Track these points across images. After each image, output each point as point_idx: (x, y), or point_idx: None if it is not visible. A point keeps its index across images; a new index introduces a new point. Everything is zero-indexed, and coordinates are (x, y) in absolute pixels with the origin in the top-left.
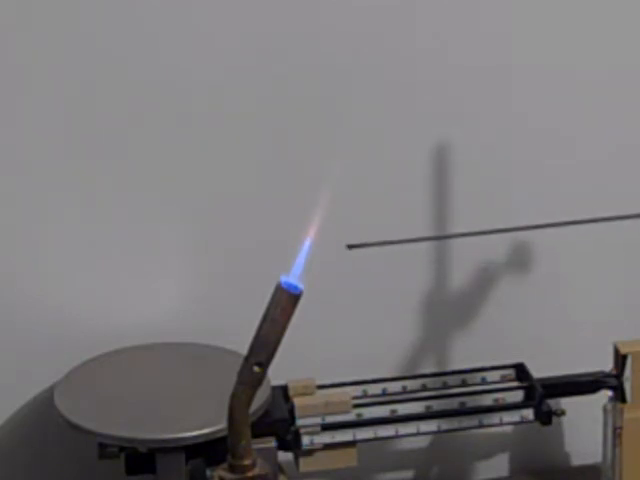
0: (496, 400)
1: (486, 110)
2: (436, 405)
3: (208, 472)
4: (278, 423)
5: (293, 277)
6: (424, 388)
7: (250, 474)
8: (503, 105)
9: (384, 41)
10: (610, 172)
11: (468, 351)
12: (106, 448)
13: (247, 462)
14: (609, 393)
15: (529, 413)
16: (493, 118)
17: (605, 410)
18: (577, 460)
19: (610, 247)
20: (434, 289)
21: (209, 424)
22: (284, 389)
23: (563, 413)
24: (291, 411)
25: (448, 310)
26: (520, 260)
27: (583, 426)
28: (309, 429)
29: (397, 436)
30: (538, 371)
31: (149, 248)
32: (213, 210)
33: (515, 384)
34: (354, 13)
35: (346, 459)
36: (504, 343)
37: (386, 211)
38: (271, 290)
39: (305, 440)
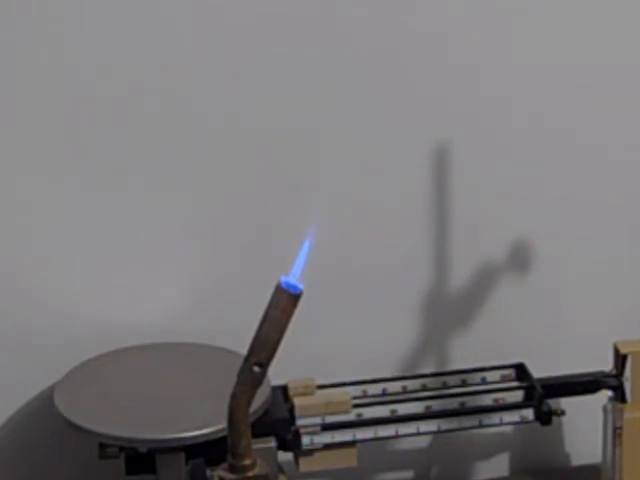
0: (496, 400)
1: (486, 110)
2: (436, 405)
3: (208, 472)
4: (278, 423)
5: (293, 277)
6: (424, 388)
7: (250, 474)
8: (503, 105)
9: (384, 41)
10: (610, 171)
11: (468, 351)
12: (106, 448)
13: (247, 462)
14: (609, 393)
15: (529, 413)
16: (493, 118)
17: (605, 410)
18: (577, 460)
19: (610, 247)
20: (434, 289)
21: (209, 424)
22: (284, 389)
23: (563, 413)
24: (291, 411)
25: (448, 310)
26: (520, 260)
27: (583, 426)
28: (309, 429)
29: (397, 436)
30: (538, 371)
31: (149, 248)
32: (213, 210)
33: (515, 384)
34: (353, 13)
35: (346, 459)
36: (504, 343)
37: (386, 211)
38: (271, 290)
39: (305, 440)
